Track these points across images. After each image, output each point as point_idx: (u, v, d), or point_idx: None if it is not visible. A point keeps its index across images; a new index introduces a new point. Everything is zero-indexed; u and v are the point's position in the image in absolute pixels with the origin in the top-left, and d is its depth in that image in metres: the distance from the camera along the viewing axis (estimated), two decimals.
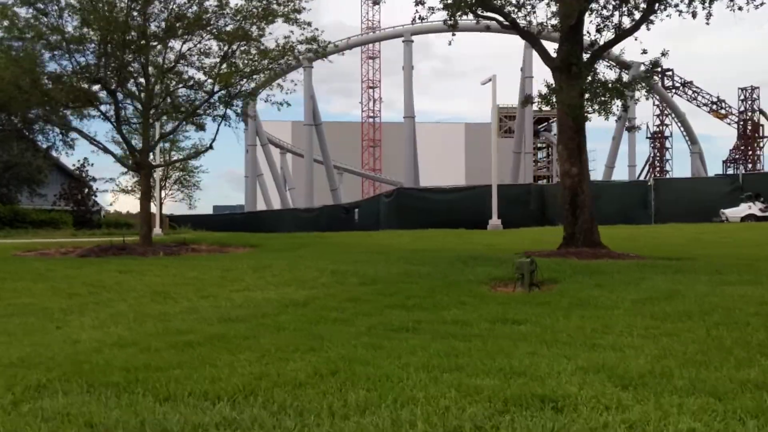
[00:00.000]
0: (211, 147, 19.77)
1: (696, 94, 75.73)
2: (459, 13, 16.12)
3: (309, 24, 18.68)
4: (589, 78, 15.15)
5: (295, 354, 5.94)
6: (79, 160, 46.53)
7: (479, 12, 16.41)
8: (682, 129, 73.09)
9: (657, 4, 15.55)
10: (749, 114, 73.15)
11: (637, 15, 15.69)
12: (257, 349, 6.21)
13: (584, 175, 15.34)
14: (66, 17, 17.55)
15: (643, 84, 14.49)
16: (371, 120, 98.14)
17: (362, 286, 11.21)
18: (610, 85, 14.88)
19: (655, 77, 14.97)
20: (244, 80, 18.96)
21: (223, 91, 19.16)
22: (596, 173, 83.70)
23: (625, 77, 14.83)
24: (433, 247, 19.12)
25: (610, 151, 68.38)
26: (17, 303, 10.26)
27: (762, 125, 73.43)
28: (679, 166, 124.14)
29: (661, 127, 77.91)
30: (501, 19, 16.29)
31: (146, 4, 17.82)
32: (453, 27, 17.15)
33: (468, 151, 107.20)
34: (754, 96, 72.66)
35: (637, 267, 12.60)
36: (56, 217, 42.21)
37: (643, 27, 15.96)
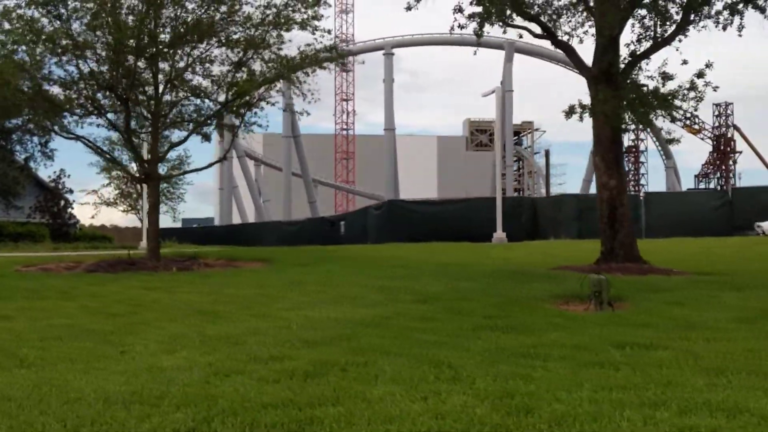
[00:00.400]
0: (224, 158, 19.01)
1: None
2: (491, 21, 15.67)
3: (329, 32, 18.07)
4: (628, 83, 14.80)
5: (444, 385, 5.32)
6: (55, 172, 45.11)
7: (510, 21, 16.01)
8: (657, 143, 73.71)
9: (693, 15, 15.30)
10: (723, 129, 74.03)
11: (673, 26, 15.41)
12: (390, 379, 5.58)
13: (623, 188, 14.96)
14: (74, 20, 16.70)
15: (695, 93, 14.11)
16: (344, 132, 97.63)
17: (421, 304, 10.63)
18: (650, 96, 14.53)
19: (701, 88, 14.47)
20: (262, 88, 18.21)
21: (237, 100, 18.38)
22: (573, 187, 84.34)
23: (667, 87, 14.43)
24: (453, 261, 18.54)
25: (588, 165, 68.63)
26: (56, 324, 9.46)
27: (735, 140, 74.37)
28: (654, 181, 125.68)
29: (636, 142, 78.62)
30: (534, 28, 15.90)
31: (159, 9, 17.07)
32: (479, 37, 16.74)
33: (440, 164, 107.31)
34: (728, 111, 73.65)
35: (692, 283, 12.20)
36: (33, 230, 40.91)
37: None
